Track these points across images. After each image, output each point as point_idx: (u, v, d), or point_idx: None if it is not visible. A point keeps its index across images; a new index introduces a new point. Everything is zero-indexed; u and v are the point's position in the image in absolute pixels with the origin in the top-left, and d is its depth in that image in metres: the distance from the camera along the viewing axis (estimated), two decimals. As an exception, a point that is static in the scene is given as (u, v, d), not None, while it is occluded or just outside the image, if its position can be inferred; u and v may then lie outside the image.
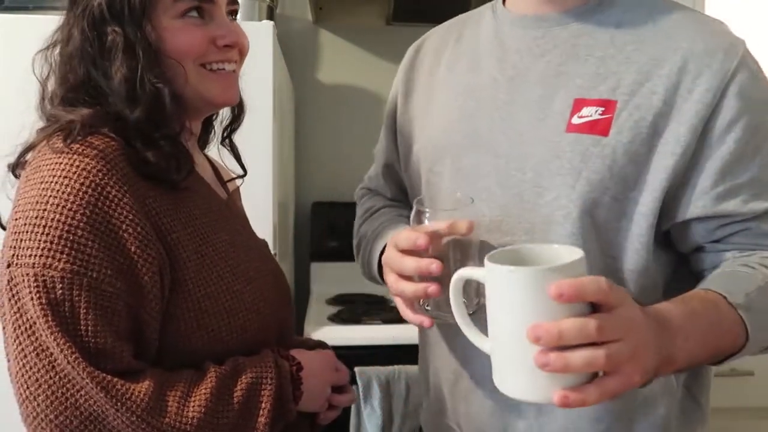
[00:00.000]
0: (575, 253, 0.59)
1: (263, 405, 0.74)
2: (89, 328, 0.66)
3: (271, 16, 1.84)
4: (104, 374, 0.66)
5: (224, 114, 0.93)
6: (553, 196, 0.77)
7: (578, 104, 0.78)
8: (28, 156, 0.76)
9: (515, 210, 0.79)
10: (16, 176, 0.77)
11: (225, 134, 0.94)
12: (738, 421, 1.83)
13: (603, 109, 0.77)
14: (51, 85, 0.78)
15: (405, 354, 1.52)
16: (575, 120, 0.77)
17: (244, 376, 0.74)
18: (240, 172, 0.96)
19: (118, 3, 0.74)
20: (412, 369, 1.48)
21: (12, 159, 0.77)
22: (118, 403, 0.66)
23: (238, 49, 0.82)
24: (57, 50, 0.78)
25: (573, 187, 0.76)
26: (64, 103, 0.76)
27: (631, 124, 0.75)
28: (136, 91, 0.74)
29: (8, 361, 0.69)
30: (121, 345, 0.68)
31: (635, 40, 0.79)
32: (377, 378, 1.45)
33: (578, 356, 0.55)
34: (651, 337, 0.60)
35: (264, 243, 0.95)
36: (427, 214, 0.76)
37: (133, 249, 0.69)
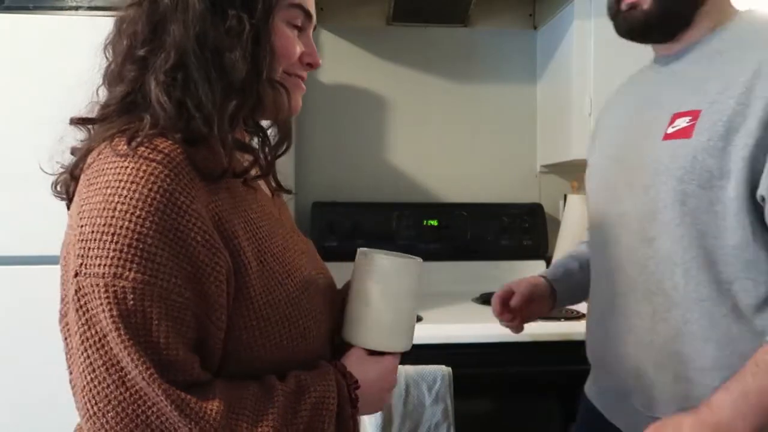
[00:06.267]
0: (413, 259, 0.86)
1: (326, 426, 0.74)
2: (161, 340, 0.64)
3: (271, 16, 1.84)
4: (179, 392, 0.64)
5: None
6: (655, 191, 0.98)
7: (673, 118, 0.99)
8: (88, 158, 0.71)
9: (631, 204, 1.04)
10: (75, 179, 0.73)
11: (269, 158, 0.82)
12: None
13: (690, 117, 0.96)
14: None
15: (405, 354, 1.52)
16: (669, 130, 0.99)
17: (307, 396, 0.74)
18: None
19: None
20: (412, 369, 1.48)
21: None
22: (192, 422, 0.64)
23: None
24: (147, 15, 0.73)
25: (665, 182, 0.97)
26: (162, 88, 0.70)
27: (708, 125, 0.93)
28: (247, 82, 0.73)
29: (70, 373, 0.67)
30: (191, 356, 0.67)
31: (720, 58, 0.97)
32: (377, 378, 1.45)
33: None
34: None
35: (310, 243, 0.93)
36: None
37: (201, 257, 0.67)
